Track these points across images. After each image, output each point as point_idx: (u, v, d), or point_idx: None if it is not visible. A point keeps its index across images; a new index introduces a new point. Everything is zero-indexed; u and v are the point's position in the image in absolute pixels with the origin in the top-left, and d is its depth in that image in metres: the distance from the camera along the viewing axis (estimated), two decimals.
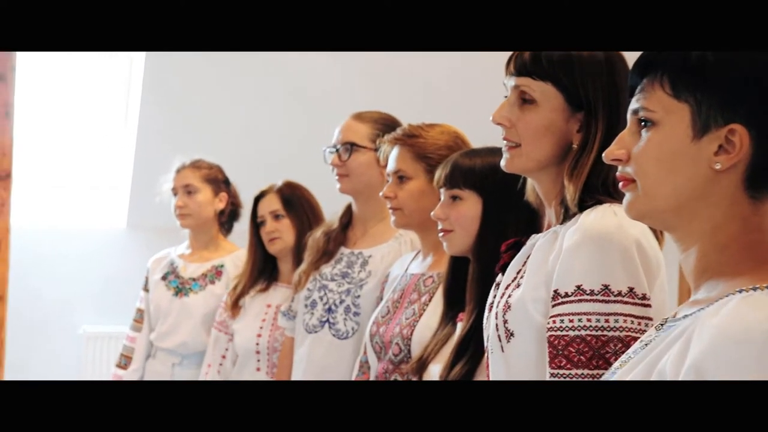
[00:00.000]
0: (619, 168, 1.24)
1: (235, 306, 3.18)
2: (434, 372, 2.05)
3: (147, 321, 3.42)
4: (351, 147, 2.72)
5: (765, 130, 1.15)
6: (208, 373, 3.24)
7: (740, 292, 1.09)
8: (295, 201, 3.12)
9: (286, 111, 4.74)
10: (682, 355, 1.08)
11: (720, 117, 1.15)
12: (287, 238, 3.10)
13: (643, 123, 1.21)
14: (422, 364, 2.09)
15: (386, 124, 2.71)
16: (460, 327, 2.03)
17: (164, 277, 3.42)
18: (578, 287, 1.49)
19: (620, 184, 1.23)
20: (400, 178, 2.37)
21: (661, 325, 1.21)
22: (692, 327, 1.10)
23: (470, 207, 2.03)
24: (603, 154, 1.26)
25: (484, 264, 1.96)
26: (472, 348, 1.94)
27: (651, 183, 1.19)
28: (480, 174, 2.03)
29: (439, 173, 2.09)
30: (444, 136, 2.37)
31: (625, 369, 1.21)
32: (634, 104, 1.23)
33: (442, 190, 2.08)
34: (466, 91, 4.75)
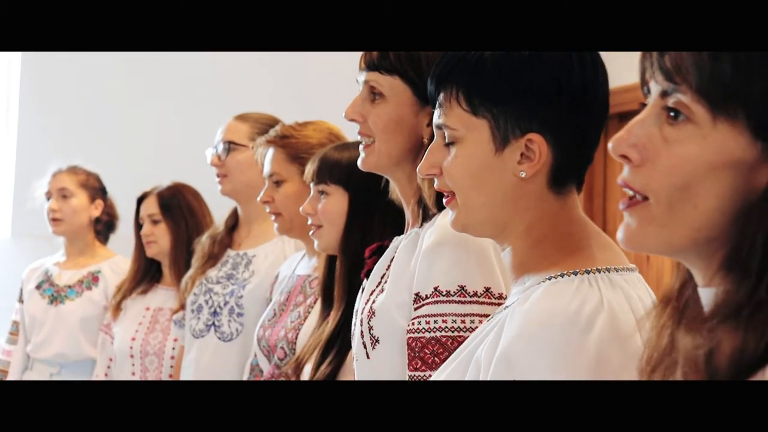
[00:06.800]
0: (436, 180, 1.28)
1: (117, 308, 3.15)
2: (308, 371, 2.02)
3: (23, 333, 3.36)
4: (229, 146, 2.70)
5: (559, 133, 1.21)
6: (98, 377, 3.20)
7: (549, 279, 1.16)
8: (174, 205, 3.09)
9: (176, 111, 4.66)
10: (495, 343, 1.14)
11: (517, 128, 1.21)
12: (162, 243, 3.08)
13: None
14: (298, 364, 2.06)
15: (267, 124, 2.69)
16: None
17: (38, 287, 3.36)
18: (435, 288, 1.47)
19: (444, 200, 1.28)
20: (276, 182, 2.34)
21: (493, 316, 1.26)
22: (506, 316, 1.17)
23: (336, 202, 2.00)
24: (417, 169, 1.31)
25: (351, 260, 1.94)
26: (337, 345, 1.92)
27: (465, 196, 1.24)
28: (346, 168, 1.99)
29: (308, 168, 2.07)
30: (317, 133, 2.34)
31: (451, 358, 1.27)
32: (436, 119, 1.26)
33: (311, 185, 2.05)
34: (348, 89, 4.72)
